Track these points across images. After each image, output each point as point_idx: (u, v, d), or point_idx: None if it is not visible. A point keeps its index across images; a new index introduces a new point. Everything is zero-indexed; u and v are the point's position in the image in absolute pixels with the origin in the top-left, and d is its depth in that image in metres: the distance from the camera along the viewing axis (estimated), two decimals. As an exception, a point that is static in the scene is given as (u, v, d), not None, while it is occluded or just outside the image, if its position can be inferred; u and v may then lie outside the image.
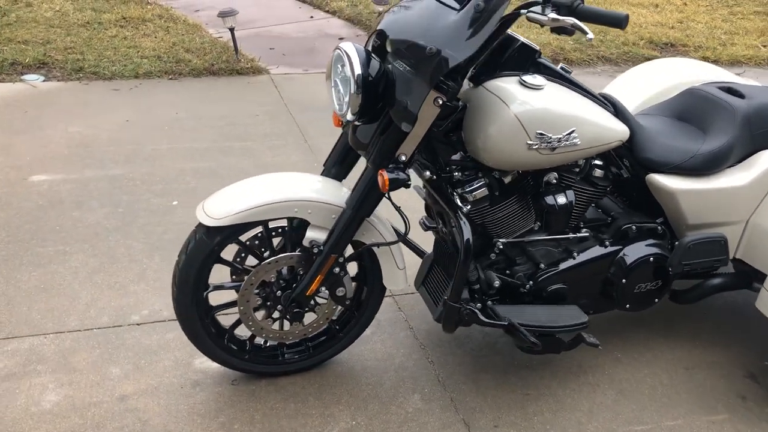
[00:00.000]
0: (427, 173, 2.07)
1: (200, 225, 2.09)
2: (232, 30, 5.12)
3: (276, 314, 2.21)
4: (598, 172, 2.30)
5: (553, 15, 1.77)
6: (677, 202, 2.27)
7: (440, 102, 1.89)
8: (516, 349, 2.43)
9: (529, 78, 2.02)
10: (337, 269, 2.13)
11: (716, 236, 2.30)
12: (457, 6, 1.89)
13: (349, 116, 1.99)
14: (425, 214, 2.50)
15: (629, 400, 2.34)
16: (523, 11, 1.85)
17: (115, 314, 2.62)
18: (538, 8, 1.83)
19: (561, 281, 2.26)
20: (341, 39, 6.02)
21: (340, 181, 2.25)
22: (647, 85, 2.84)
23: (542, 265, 2.25)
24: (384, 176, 1.93)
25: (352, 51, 1.93)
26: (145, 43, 5.40)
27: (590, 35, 1.74)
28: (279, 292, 2.17)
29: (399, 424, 2.20)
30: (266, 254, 2.17)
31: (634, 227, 2.32)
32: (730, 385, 2.43)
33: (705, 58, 5.87)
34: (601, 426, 2.23)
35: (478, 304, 2.20)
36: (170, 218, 3.25)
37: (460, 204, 2.08)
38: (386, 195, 2.07)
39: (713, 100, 2.39)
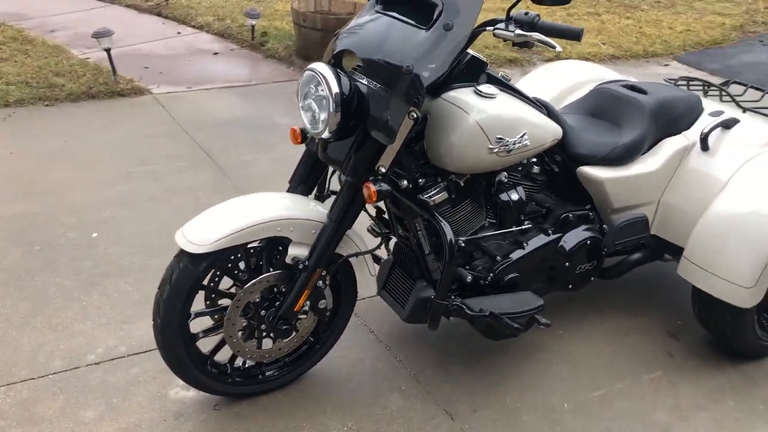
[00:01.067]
0: (404, 182, 2.19)
1: (183, 253, 2.07)
2: (108, 51, 4.92)
3: (259, 334, 2.24)
4: (535, 169, 2.54)
5: (519, 31, 1.97)
6: (605, 189, 2.56)
7: (414, 115, 2.02)
8: (473, 338, 2.63)
9: (483, 88, 2.20)
10: (320, 282, 2.20)
11: (640, 216, 2.63)
12: (421, 25, 2.03)
13: (326, 134, 2.07)
14: (372, 222, 2.61)
15: (581, 370, 2.60)
16: (489, 28, 2.03)
17: (68, 357, 2.50)
18: (502, 25, 2.02)
19: (515, 270, 2.47)
20: (216, 54, 5.96)
21: (307, 197, 2.32)
22: (551, 85, 3.14)
23: (498, 258, 2.45)
24: (371, 188, 2.03)
25: (327, 71, 2.02)
26: (6, 69, 5.04)
27: (558, 48, 1.95)
28: (263, 312, 2.20)
29: (388, 422, 2.31)
30: (245, 277, 2.19)
31: (570, 215, 2.58)
32: (657, 345, 2.77)
33: (558, 57, 6.44)
34: (564, 397, 2.47)
35: (452, 296, 2.37)
36: (95, 251, 3.11)
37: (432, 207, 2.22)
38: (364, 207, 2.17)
39: (622, 97, 2.71)
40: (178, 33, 6.46)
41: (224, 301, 2.23)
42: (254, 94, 5.12)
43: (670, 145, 2.67)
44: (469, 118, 2.16)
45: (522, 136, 2.27)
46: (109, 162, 3.94)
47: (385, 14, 2.14)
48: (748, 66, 6.54)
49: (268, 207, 2.13)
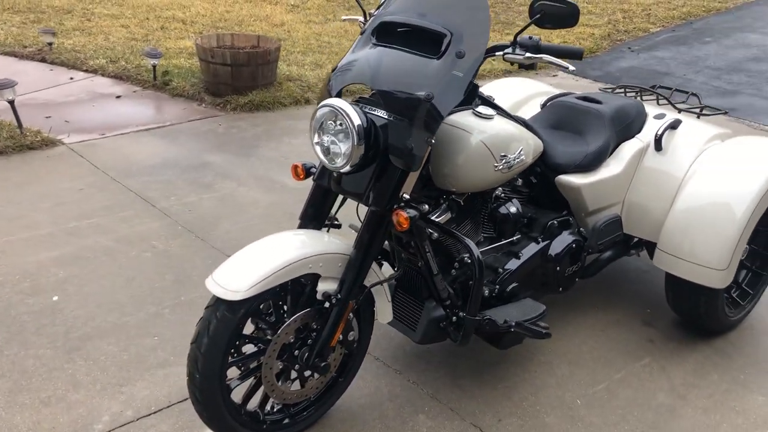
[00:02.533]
0: (425, 206, 2.24)
1: (219, 301, 2.01)
2: (12, 103, 4.61)
3: (293, 375, 2.21)
4: (519, 182, 2.69)
5: (528, 54, 2.10)
6: (581, 194, 2.75)
7: (432, 141, 2.09)
8: (473, 352, 2.76)
9: (481, 109, 2.32)
10: (350, 315, 2.21)
11: (614, 216, 2.84)
12: (430, 55, 2.11)
13: (347, 168, 2.10)
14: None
15: (580, 367, 2.76)
16: (498, 53, 2.15)
17: (73, 430, 2.33)
18: (509, 49, 2.14)
19: (515, 280, 2.59)
20: (119, 97, 5.73)
21: (321, 231, 2.33)
22: (501, 101, 3.32)
23: (500, 270, 2.57)
24: (402, 215, 2.07)
25: (347, 105, 2.05)
26: None
27: (572, 67, 2.09)
28: (296, 352, 2.18)
29: (425, 445, 2.34)
30: (271, 319, 2.16)
31: (554, 222, 2.74)
32: (637, 334, 2.98)
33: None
34: (574, 394, 2.61)
35: (461, 313, 2.44)
36: (63, 315, 2.92)
37: (459, 233, 2.30)
38: (393, 234, 2.21)
39: (582, 108, 2.92)
40: (71, 78, 6.14)
41: (247, 347, 2.19)
42: (174, 135, 4.97)
43: (629, 149, 2.91)
44: (474, 138, 2.26)
45: (519, 152, 2.40)
46: (46, 219, 3.70)
47: (385, 46, 2.21)
48: (624, 71, 7.14)
49: (295, 245, 2.12)
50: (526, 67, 2.17)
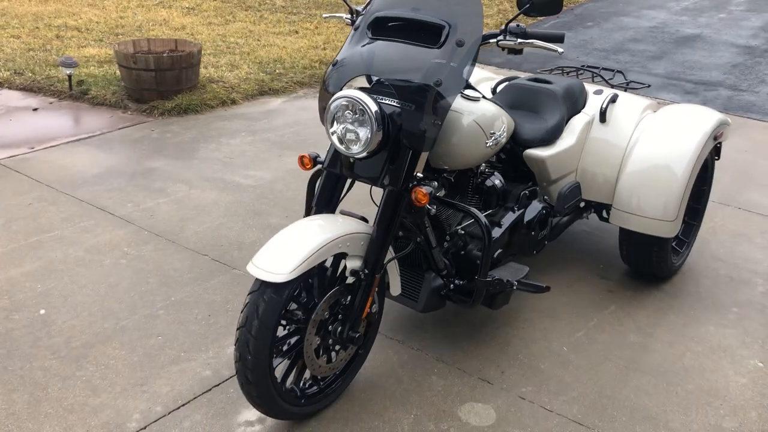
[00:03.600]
0: (435, 183, 2.45)
1: (264, 285, 2.14)
2: (-66, 121, 4.39)
3: (332, 348, 2.36)
4: (494, 157, 2.96)
5: (520, 39, 2.36)
6: (545, 165, 3.05)
7: (440, 123, 2.31)
8: (461, 317, 3.02)
9: (468, 92, 2.56)
10: (375, 288, 2.39)
11: (575, 183, 3.16)
12: (430, 45, 2.32)
13: (364, 153, 2.28)
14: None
15: (558, 319, 3.08)
16: (492, 40, 2.39)
17: (106, 431, 2.38)
18: (501, 36, 2.38)
19: (499, 246, 2.86)
20: (35, 109, 5.54)
21: (334, 215, 2.49)
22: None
23: (492, 236, 2.82)
24: (423, 191, 2.28)
25: (364, 95, 2.22)
26: None
27: (561, 50, 2.37)
28: (330, 327, 2.34)
29: (443, 401, 2.56)
30: (304, 299, 2.30)
31: (526, 192, 3.03)
32: (597, 287, 3.34)
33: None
34: (560, 342, 2.92)
35: (456, 280, 2.69)
36: (57, 327, 2.91)
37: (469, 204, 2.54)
38: (431, 210, 2.42)
39: (536, 89, 3.22)
40: (-23, 93, 5.86)
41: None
42: (108, 144, 4.90)
43: (578, 122, 3.25)
44: (467, 119, 2.51)
45: (503, 129, 2.67)
46: (2, 236, 3.60)
47: (383, 40, 2.40)
48: (524, 58, 7.62)
49: (324, 228, 2.27)
50: (515, 52, 2.43)
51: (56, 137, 4.99)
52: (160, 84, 5.58)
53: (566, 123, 3.23)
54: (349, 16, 2.72)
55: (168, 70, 5.55)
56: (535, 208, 3.03)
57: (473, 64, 2.33)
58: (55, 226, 3.72)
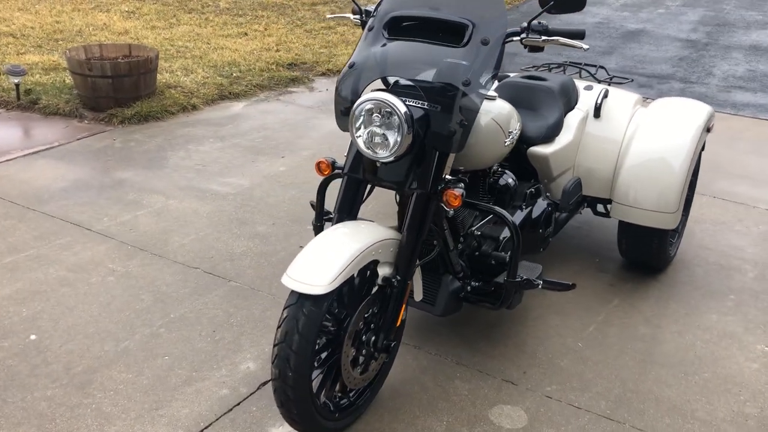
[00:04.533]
0: (462, 185, 2.40)
1: (303, 298, 2.05)
2: None
3: (360, 359, 2.29)
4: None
5: (545, 37, 2.33)
6: (548, 162, 3.05)
7: (467, 124, 2.27)
8: (473, 319, 2.99)
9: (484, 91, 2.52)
10: (408, 295, 2.33)
11: (576, 179, 3.18)
12: (453, 44, 2.27)
13: (392, 157, 2.21)
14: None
15: (567, 316, 3.08)
16: (515, 38, 2.35)
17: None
18: (524, 34, 2.35)
19: (510, 246, 2.84)
20: (-17, 122, 5.21)
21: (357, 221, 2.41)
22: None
23: (500, 238, 2.80)
24: (456, 193, 2.23)
25: (393, 98, 2.16)
26: None
27: (586, 46, 2.35)
28: (364, 337, 2.26)
29: (472, 405, 2.53)
30: (335, 309, 2.22)
31: (532, 190, 3.03)
32: (599, 281, 3.37)
33: (330, 71, 6.89)
34: (574, 338, 2.93)
35: (473, 282, 2.66)
36: (52, 353, 2.73)
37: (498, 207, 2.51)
38: (449, 212, 2.35)
39: (534, 86, 3.22)
40: None
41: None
42: (70, 156, 4.65)
43: (574, 118, 3.26)
44: (485, 118, 2.47)
45: (518, 128, 2.65)
46: (-27, 259, 3.36)
47: (402, 40, 2.34)
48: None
49: (356, 237, 2.19)
50: (536, 50, 2.40)
51: (10, 150, 4.70)
52: (118, 91, 5.34)
53: (564, 118, 3.24)
54: (357, 16, 2.65)
55: (125, 77, 5.32)
56: (540, 205, 3.02)
57: (500, 63, 2.30)
58: (29, 245, 3.50)
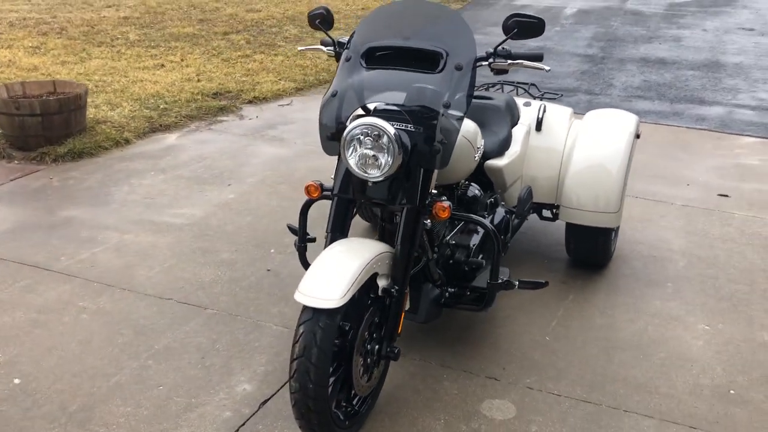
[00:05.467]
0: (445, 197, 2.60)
1: (318, 312, 2.17)
2: None
3: (371, 367, 2.43)
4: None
5: (510, 60, 2.58)
6: (503, 174, 3.31)
7: (448, 142, 2.48)
8: (447, 323, 3.19)
9: (452, 111, 2.75)
10: (406, 303, 2.50)
11: (528, 187, 3.45)
12: (428, 71, 2.48)
13: (382, 178, 2.39)
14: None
15: (531, 313, 3.33)
16: (484, 62, 2.58)
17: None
18: (491, 59, 2.59)
19: (480, 252, 3.08)
20: None
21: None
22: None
23: (470, 245, 3.02)
24: (445, 205, 2.42)
25: (382, 123, 2.33)
26: None
27: (548, 68, 2.61)
28: (368, 346, 2.41)
29: (464, 402, 2.72)
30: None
31: (492, 200, 3.28)
32: (552, 279, 3.59)
33: (256, 99, 6.98)
34: (540, 332, 3.18)
35: (450, 288, 2.86)
36: (41, 395, 2.71)
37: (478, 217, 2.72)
38: (428, 225, 2.54)
39: (482, 105, 3.46)
40: None
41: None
42: (7, 197, 4.53)
43: (519, 132, 3.55)
44: (458, 135, 2.69)
45: (482, 143, 2.89)
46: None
47: (381, 68, 2.53)
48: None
49: (358, 252, 2.35)
50: (502, 73, 2.65)
51: (-58, 196, 4.54)
52: (48, 129, 5.24)
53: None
54: (330, 48, 2.81)
55: (56, 114, 5.23)
56: (500, 213, 3.27)
57: (473, 86, 2.53)
58: (-12, 290, 3.43)
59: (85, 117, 5.59)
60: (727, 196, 4.74)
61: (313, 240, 2.91)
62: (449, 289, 2.88)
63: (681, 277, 3.70)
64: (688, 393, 2.81)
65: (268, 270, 3.69)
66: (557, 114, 3.72)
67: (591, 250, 3.65)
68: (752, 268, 3.79)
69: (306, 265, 2.89)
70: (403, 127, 2.40)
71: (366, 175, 2.41)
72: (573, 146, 3.54)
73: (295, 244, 2.92)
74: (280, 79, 7.62)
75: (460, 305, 2.87)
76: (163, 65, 8.17)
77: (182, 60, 8.44)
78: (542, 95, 4.04)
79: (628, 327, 3.25)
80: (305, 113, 6.60)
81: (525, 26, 2.55)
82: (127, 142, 5.64)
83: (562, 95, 4.25)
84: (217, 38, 9.50)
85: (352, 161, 2.41)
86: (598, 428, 2.61)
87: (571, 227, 3.59)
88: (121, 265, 3.71)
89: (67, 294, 3.42)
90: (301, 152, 5.51)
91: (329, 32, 2.80)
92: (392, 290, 2.43)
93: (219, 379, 2.83)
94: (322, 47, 2.87)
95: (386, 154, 2.36)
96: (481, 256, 3.05)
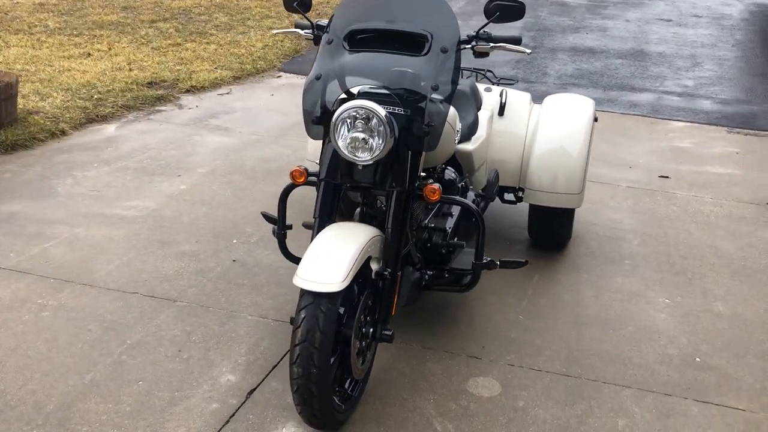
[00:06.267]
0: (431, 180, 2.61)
1: (319, 297, 2.15)
2: None
3: (359, 351, 2.42)
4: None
5: (492, 44, 2.61)
6: (472, 157, 3.36)
7: (436, 125, 2.49)
8: (425, 307, 3.21)
9: (434, 95, 2.77)
10: (398, 286, 2.51)
11: (495, 170, 3.51)
12: (414, 54, 2.48)
13: (372, 161, 2.38)
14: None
15: (502, 293, 3.40)
16: (467, 46, 2.60)
17: None
18: (473, 42, 2.61)
19: (456, 234, 3.11)
20: None
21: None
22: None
23: (446, 228, 3.06)
24: (435, 187, 2.44)
25: (374, 105, 2.32)
26: None
27: (529, 51, 2.65)
28: (364, 330, 2.41)
29: (450, 381, 2.75)
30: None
31: (464, 183, 3.32)
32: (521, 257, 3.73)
33: (194, 88, 6.80)
34: (512, 312, 3.25)
35: (429, 271, 2.89)
36: (12, 396, 2.57)
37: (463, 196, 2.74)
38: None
39: (449, 90, 3.51)
40: None
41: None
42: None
43: (483, 117, 3.61)
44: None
45: (460, 126, 2.93)
46: None
47: (366, 51, 2.52)
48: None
49: (352, 236, 2.34)
50: (482, 56, 2.69)
51: None
52: (-19, 123, 4.94)
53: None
54: (307, 30, 2.78)
55: (-14, 108, 4.94)
56: (470, 196, 3.32)
57: (459, 68, 2.55)
58: (-65, 290, 3.22)
59: (16, 107, 5.30)
60: (667, 177, 4.97)
61: (290, 227, 2.88)
62: (428, 272, 2.91)
63: (636, 255, 3.86)
64: (659, 363, 2.94)
65: (234, 261, 3.61)
66: (517, 99, 3.80)
67: (554, 231, 3.76)
68: (699, 244, 4.00)
69: (286, 253, 2.86)
70: (392, 110, 2.40)
71: (355, 158, 2.40)
72: (535, 130, 3.63)
73: (273, 231, 2.87)
74: (216, 68, 7.44)
75: (442, 287, 2.90)
76: (89, 54, 7.83)
77: (110, 49, 8.11)
78: (498, 81, 4.11)
79: (594, 303, 3.37)
80: (245, 102, 6.49)
81: (506, 9, 2.60)
82: (63, 133, 5.39)
83: (517, 81, 4.34)
84: (144, 26, 9.17)
85: (342, 144, 2.39)
86: (581, 399, 2.70)
87: (534, 209, 3.68)
88: (76, 259, 3.55)
89: (23, 292, 3.25)
90: (248, 141, 5.42)
91: (307, 15, 2.77)
92: (385, 273, 2.43)
93: (200, 371, 2.76)
94: (299, 30, 2.83)
95: (377, 137, 2.35)
96: (456, 238, 3.09)
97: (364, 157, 2.39)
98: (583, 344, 3.05)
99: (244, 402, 2.60)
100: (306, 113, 2.52)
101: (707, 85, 7.37)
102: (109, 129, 5.60)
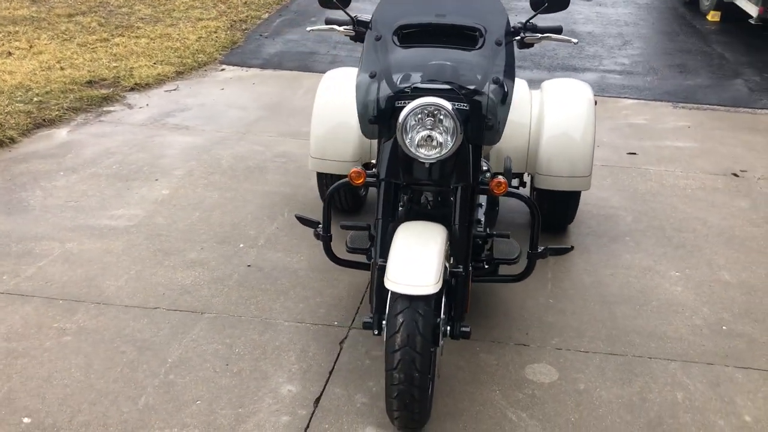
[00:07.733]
0: (488, 174, 2.60)
1: (415, 300, 2.12)
2: None
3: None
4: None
5: (540, 35, 2.62)
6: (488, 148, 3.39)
7: (499, 117, 2.49)
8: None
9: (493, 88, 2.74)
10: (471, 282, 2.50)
11: (508, 158, 3.54)
12: (468, 47, 2.47)
13: (442, 158, 2.36)
14: None
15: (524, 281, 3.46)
16: (517, 37, 2.60)
17: None
18: (523, 33, 2.62)
19: (488, 225, 3.12)
20: None
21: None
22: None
23: (481, 219, 3.07)
24: (498, 181, 2.44)
25: (444, 102, 2.29)
26: None
27: (575, 40, 2.67)
28: (442, 328, 2.38)
29: (508, 370, 2.79)
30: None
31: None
32: (524, 246, 3.79)
33: (138, 85, 6.47)
34: (542, 295, 3.31)
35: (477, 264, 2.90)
36: (60, 429, 2.38)
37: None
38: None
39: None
40: None
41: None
42: None
43: (489, 105, 3.64)
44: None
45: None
46: None
47: (419, 46, 2.48)
48: (280, 55, 7.72)
49: (431, 236, 2.32)
50: (527, 46, 2.70)
51: None
52: None
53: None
54: (347, 27, 2.69)
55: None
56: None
57: (513, 60, 2.55)
58: (-66, 323, 2.93)
59: (-41, 115, 4.88)
60: (635, 153, 5.18)
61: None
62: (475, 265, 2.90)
63: (634, 231, 4.01)
64: (692, 334, 3.09)
65: (249, 266, 3.49)
66: (517, 86, 3.84)
67: (563, 213, 3.84)
68: (687, 216, 4.21)
69: (331, 255, 2.79)
70: (456, 106, 2.38)
71: (426, 156, 2.36)
72: (539, 116, 3.69)
73: (316, 234, 2.79)
74: (155, 63, 7.09)
75: (494, 279, 2.91)
76: (10, 53, 7.29)
77: (31, 47, 7.57)
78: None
79: (613, 281, 3.49)
80: (197, 98, 6.24)
81: (552, 0, 2.61)
82: (12, 141, 5.00)
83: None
84: (62, 21, 8.61)
85: (411, 143, 2.35)
86: (635, 377, 2.80)
87: (543, 193, 3.74)
88: (79, 277, 3.33)
89: (33, 316, 3.01)
90: (214, 140, 5.21)
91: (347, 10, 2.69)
92: (458, 269, 2.42)
93: (256, 384, 2.66)
94: (336, 26, 2.74)
95: (446, 135, 2.32)
96: (488, 229, 3.11)
97: (432, 155, 2.35)
98: (618, 322, 3.15)
99: (314, 412, 2.53)
100: (365, 112, 2.46)
101: (642, 62, 7.70)
102: (61, 134, 5.25)
